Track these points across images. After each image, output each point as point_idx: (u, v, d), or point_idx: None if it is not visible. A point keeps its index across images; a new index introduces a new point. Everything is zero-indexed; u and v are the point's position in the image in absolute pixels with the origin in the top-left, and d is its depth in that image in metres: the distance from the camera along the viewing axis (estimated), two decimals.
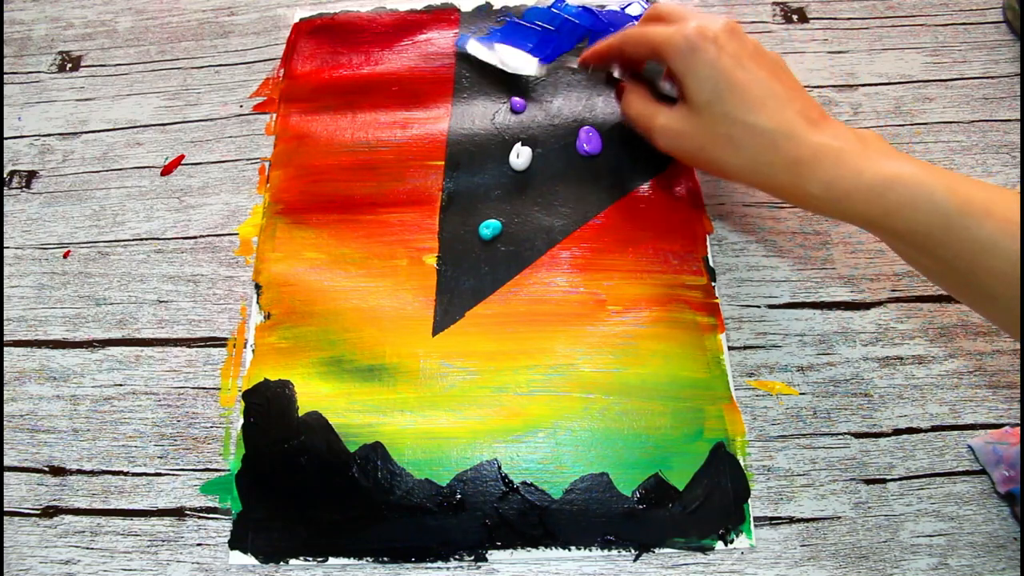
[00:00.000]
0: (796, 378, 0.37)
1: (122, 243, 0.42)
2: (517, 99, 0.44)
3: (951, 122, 0.43)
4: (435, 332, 0.38)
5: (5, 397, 0.38)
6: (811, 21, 0.47)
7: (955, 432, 0.35)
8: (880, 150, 0.29)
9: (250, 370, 0.38)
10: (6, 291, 0.42)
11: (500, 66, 0.44)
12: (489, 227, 0.40)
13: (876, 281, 0.39)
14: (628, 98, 0.36)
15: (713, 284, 0.39)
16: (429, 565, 0.33)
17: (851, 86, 0.45)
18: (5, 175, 0.46)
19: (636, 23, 0.36)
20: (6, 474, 0.37)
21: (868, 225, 0.29)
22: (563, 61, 0.44)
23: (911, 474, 0.34)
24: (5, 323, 0.41)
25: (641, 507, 0.33)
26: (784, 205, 0.41)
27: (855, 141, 0.29)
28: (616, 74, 0.40)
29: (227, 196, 0.43)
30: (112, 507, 0.35)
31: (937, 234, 0.27)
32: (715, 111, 0.30)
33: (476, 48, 0.45)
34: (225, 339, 0.39)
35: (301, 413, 0.36)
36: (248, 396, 0.37)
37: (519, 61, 0.44)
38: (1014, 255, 0.25)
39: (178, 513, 0.35)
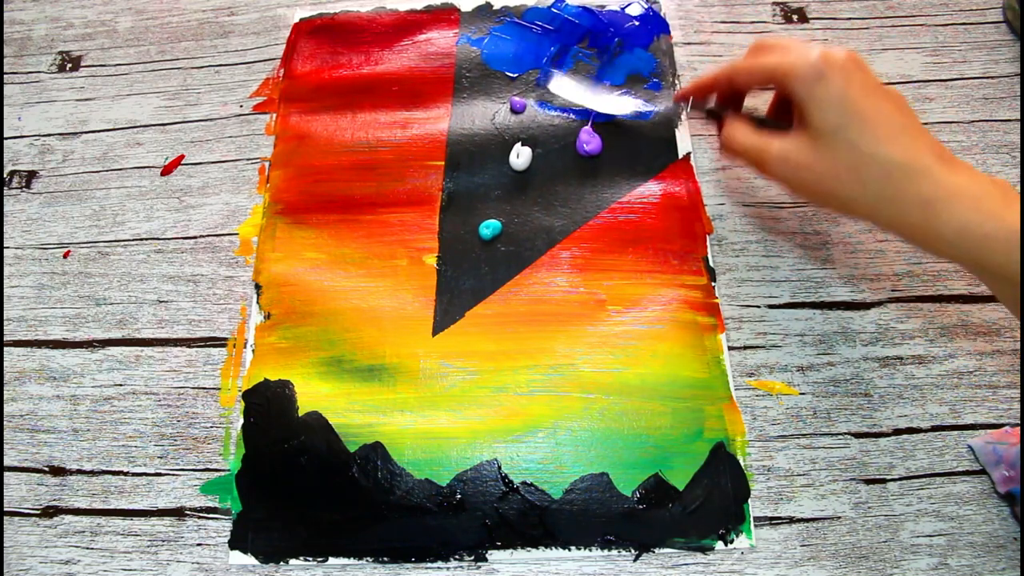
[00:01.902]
0: (796, 378, 0.37)
1: (122, 243, 0.42)
2: (517, 99, 0.43)
3: (951, 122, 0.43)
4: (435, 332, 0.38)
5: (5, 397, 0.38)
6: (811, 21, 0.47)
7: (955, 432, 0.35)
8: (1018, 199, 0.27)
9: (250, 370, 0.38)
10: (6, 291, 0.42)
11: (597, 106, 0.43)
12: (489, 227, 0.40)
13: (876, 281, 0.39)
14: (731, 129, 0.34)
15: (713, 284, 0.39)
16: (429, 565, 0.33)
17: None
18: (5, 175, 0.46)
19: (742, 57, 0.34)
20: (6, 474, 0.37)
21: (998, 275, 0.28)
22: (653, 96, 0.43)
23: (911, 474, 0.34)
24: (5, 323, 0.41)
25: (641, 507, 0.33)
26: (784, 205, 0.41)
27: (992, 185, 0.27)
28: (715, 109, 0.37)
29: (227, 196, 0.43)
30: (112, 507, 0.35)
31: None
32: (840, 141, 0.29)
33: (558, 86, 0.44)
34: (225, 339, 0.39)
35: (301, 413, 0.36)
36: (248, 396, 0.37)
37: (615, 104, 0.43)
38: None
39: (178, 513, 0.35)
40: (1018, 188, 0.41)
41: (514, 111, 0.44)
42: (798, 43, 0.31)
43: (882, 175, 0.28)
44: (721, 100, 0.36)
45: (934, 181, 0.27)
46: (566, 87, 0.43)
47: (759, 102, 0.36)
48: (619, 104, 0.42)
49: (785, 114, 0.33)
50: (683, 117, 0.40)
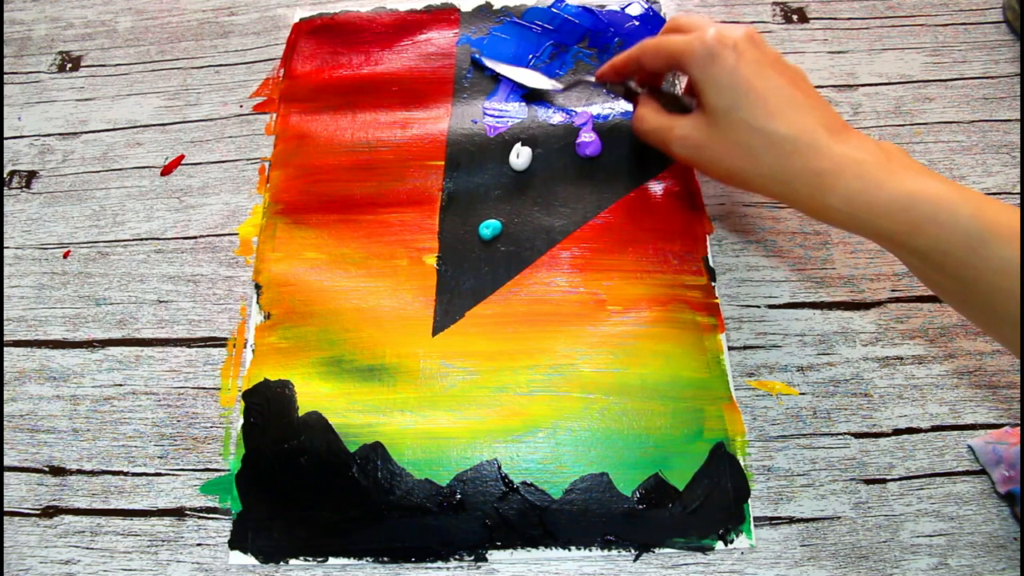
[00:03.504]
0: (796, 378, 0.37)
1: (122, 243, 0.42)
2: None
3: (951, 122, 0.43)
4: (435, 332, 0.38)
5: (5, 397, 0.38)
6: (811, 21, 0.47)
7: (955, 432, 0.35)
8: (904, 164, 0.28)
9: (250, 370, 0.38)
10: (6, 291, 0.42)
11: (520, 80, 0.44)
12: (489, 227, 0.40)
13: (876, 281, 0.39)
14: (641, 112, 0.35)
15: (713, 284, 0.39)
16: (429, 565, 0.33)
17: (851, 86, 0.45)
18: (5, 175, 0.46)
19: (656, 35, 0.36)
20: (6, 474, 0.37)
21: (887, 241, 0.28)
22: (579, 76, 0.44)
23: (911, 474, 0.34)
24: (5, 323, 0.41)
25: (641, 507, 0.33)
26: (784, 205, 0.41)
27: (878, 153, 0.28)
28: (634, 87, 0.38)
29: (227, 196, 0.43)
30: (112, 507, 0.35)
31: (958, 254, 0.26)
32: (733, 119, 0.29)
33: (493, 63, 0.45)
34: (225, 339, 0.39)
35: (301, 413, 0.36)
36: (248, 396, 0.37)
37: (537, 80, 0.44)
38: None
39: (178, 513, 0.35)
40: (1018, 188, 0.41)
41: (476, 63, 0.45)
42: (703, 22, 0.32)
43: (771, 150, 0.29)
44: (641, 79, 0.37)
45: (820, 153, 0.28)
46: (497, 66, 0.45)
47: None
48: (538, 80, 0.44)
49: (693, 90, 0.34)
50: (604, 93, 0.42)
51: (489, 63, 0.45)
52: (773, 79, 0.29)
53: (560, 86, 0.43)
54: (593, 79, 0.40)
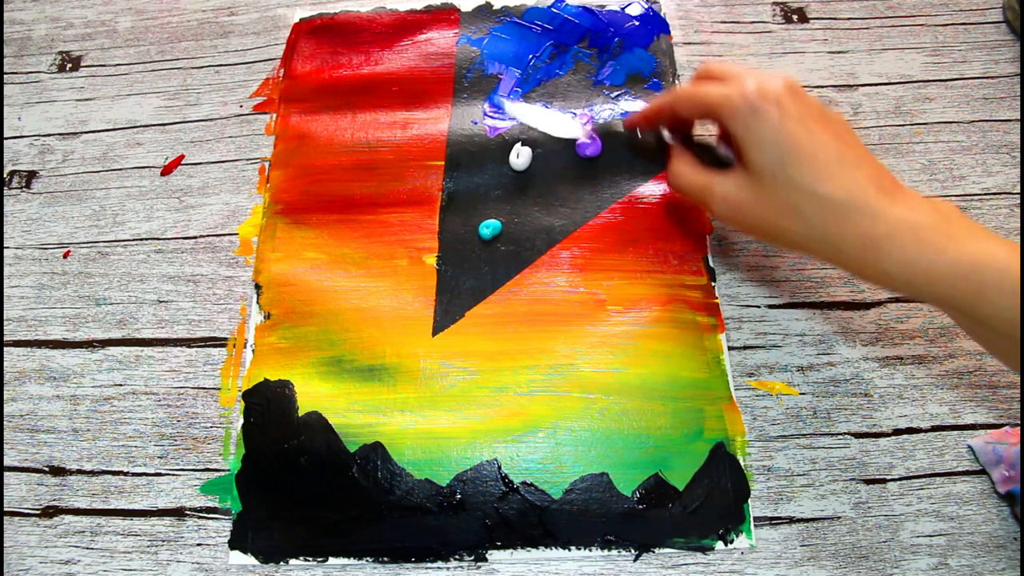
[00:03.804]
0: (796, 378, 0.37)
1: (122, 243, 0.42)
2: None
3: (951, 122, 0.43)
4: (435, 332, 0.38)
5: (5, 397, 0.38)
6: (811, 21, 0.47)
7: (955, 432, 0.35)
8: (962, 226, 0.26)
9: (250, 370, 0.38)
10: (6, 291, 0.42)
11: (543, 129, 0.42)
12: (489, 227, 0.40)
13: None
14: (677, 167, 0.33)
15: (713, 284, 0.39)
16: (429, 565, 0.33)
17: (851, 86, 0.45)
18: (5, 175, 0.46)
19: (687, 83, 0.34)
20: (6, 474, 0.37)
21: (946, 306, 0.27)
22: (609, 125, 0.41)
23: (911, 474, 0.34)
24: (5, 323, 0.41)
25: (641, 507, 0.33)
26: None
27: (935, 215, 0.26)
28: (666, 137, 0.36)
29: (227, 196, 0.43)
30: (112, 507, 0.35)
31: None
32: (779, 178, 0.28)
33: (515, 108, 0.43)
34: (225, 339, 0.39)
35: (301, 413, 0.36)
36: (248, 396, 0.37)
37: (564, 126, 0.42)
38: None
39: (178, 513, 0.35)
40: (1018, 188, 0.41)
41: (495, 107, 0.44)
42: (739, 73, 0.30)
43: (821, 212, 0.27)
44: (671, 127, 0.35)
45: (874, 216, 0.27)
46: (520, 110, 0.43)
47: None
48: (569, 126, 0.41)
49: (729, 141, 0.32)
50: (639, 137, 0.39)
51: (510, 108, 0.43)
52: (819, 134, 0.28)
53: (585, 135, 0.41)
54: (622, 128, 0.37)
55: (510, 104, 0.43)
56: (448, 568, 0.33)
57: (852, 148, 0.28)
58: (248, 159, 0.44)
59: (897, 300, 0.38)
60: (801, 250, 0.30)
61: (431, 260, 0.40)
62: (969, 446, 0.35)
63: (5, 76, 0.50)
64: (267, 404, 0.37)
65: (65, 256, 0.42)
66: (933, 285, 0.26)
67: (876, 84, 0.45)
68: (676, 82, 0.45)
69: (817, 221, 0.28)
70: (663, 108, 0.34)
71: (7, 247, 0.43)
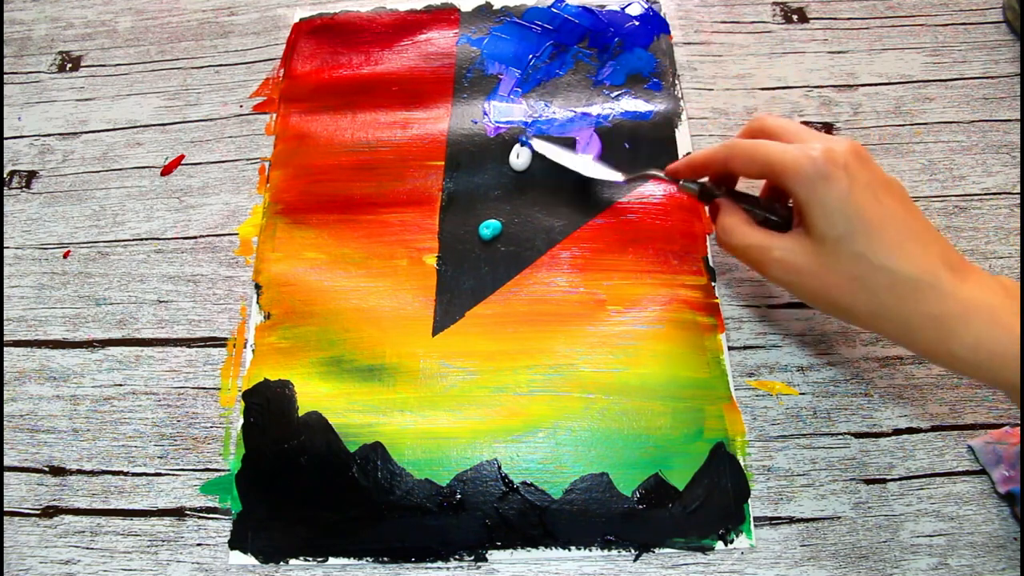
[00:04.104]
0: (796, 378, 0.37)
1: (122, 243, 0.42)
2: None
3: (951, 122, 0.43)
4: (435, 332, 0.38)
5: (5, 397, 0.38)
6: (811, 21, 0.47)
7: (955, 432, 0.35)
8: None
9: (250, 370, 0.38)
10: (6, 291, 0.42)
11: (577, 169, 0.40)
12: (489, 227, 0.40)
13: None
14: (729, 224, 0.31)
15: (713, 284, 0.39)
16: (429, 565, 0.33)
17: (851, 86, 0.45)
18: (5, 175, 0.46)
19: (741, 137, 0.32)
20: (6, 474, 0.37)
21: (1012, 388, 0.26)
22: (645, 171, 0.38)
23: (911, 474, 0.34)
24: (5, 323, 0.41)
25: (641, 507, 0.33)
26: None
27: (1003, 295, 0.26)
28: (710, 187, 0.34)
29: (227, 196, 0.43)
30: (112, 507, 0.35)
31: None
32: (846, 250, 0.27)
33: (544, 147, 0.42)
34: (225, 339, 0.39)
35: (301, 413, 0.36)
36: (248, 396, 0.37)
37: (597, 170, 0.40)
38: None
39: (178, 513, 0.35)
40: (1018, 188, 0.41)
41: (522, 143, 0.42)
42: (800, 133, 0.29)
43: (890, 288, 0.27)
44: (715, 179, 0.34)
45: (945, 295, 0.26)
46: (548, 149, 0.42)
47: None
48: (597, 169, 0.40)
49: (780, 199, 0.31)
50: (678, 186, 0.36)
51: (539, 147, 0.42)
52: (888, 206, 0.27)
53: (621, 178, 0.39)
54: (661, 173, 0.36)
55: (539, 143, 0.42)
56: (448, 568, 0.33)
57: (920, 222, 0.27)
58: (248, 159, 0.44)
59: None
60: (862, 325, 0.29)
61: (431, 260, 0.40)
62: (969, 446, 0.35)
63: (5, 76, 0.50)
64: (267, 404, 0.37)
65: (65, 256, 0.42)
66: (1002, 368, 0.26)
67: (876, 84, 0.45)
68: (676, 82, 0.45)
69: (885, 297, 0.27)
70: (714, 161, 0.32)
71: (7, 247, 0.43)
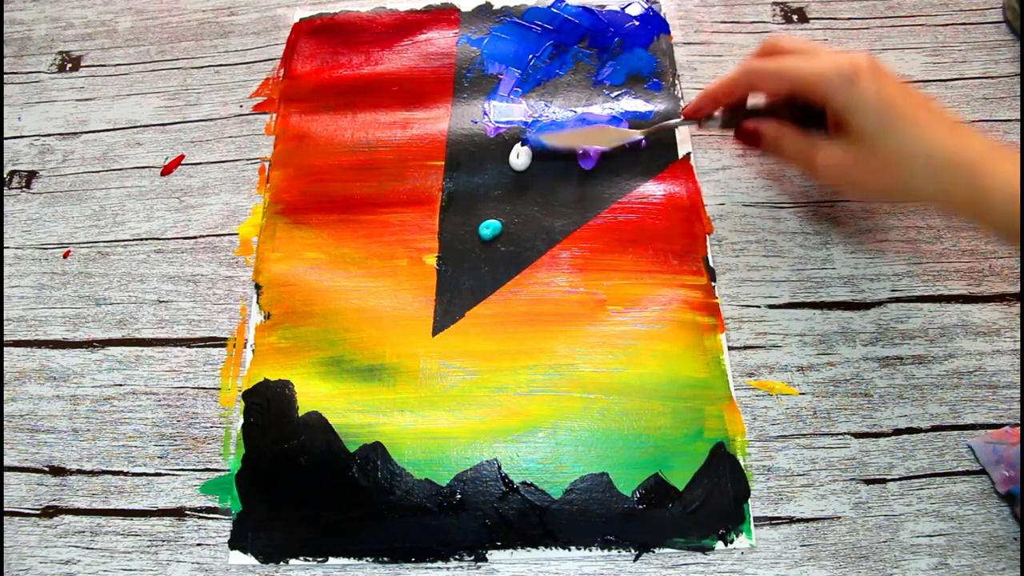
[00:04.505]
0: (796, 378, 0.37)
1: (122, 243, 0.42)
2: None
3: None
4: (435, 332, 0.38)
5: (5, 397, 0.38)
6: (811, 21, 0.47)
7: (955, 432, 0.35)
8: None
9: (250, 370, 0.38)
10: (6, 291, 0.42)
11: (590, 145, 0.41)
12: (489, 227, 0.40)
13: (876, 281, 0.39)
14: (776, 135, 0.34)
15: (713, 284, 0.39)
16: (429, 565, 0.33)
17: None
18: (5, 175, 0.46)
19: (753, 58, 0.34)
20: (6, 474, 0.37)
21: None
22: (658, 122, 0.39)
23: (911, 474, 0.34)
24: (5, 323, 0.41)
25: (641, 507, 0.33)
26: (784, 205, 0.41)
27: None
28: (717, 114, 0.36)
29: (227, 196, 0.43)
30: (112, 507, 0.35)
31: None
32: (884, 140, 0.30)
33: (549, 137, 0.41)
34: (225, 339, 0.39)
35: (301, 413, 0.36)
36: (248, 396, 0.37)
37: (613, 135, 0.40)
38: None
39: (178, 513, 0.35)
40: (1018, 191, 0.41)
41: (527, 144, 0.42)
42: (816, 48, 0.32)
43: (930, 165, 0.30)
44: (728, 107, 0.36)
45: (977, 157, 0.29)
46: (557, 138, 0.41)
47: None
48: (613, 135, 0.40)
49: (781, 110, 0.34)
50: (699, 127, 0.38)
51: (549, 140, 0.41)
52: (913, 98, 0.30)
53: (640, 135, 0.40)
54: (680, 120, 0.37)
55: (549, 136, 0.41)
56: (448, 568, 0.33)
57: (941, 110, 0.31)
58: (248, 159, 0.44)
59: (897, 300, 0.38)
60: (905, 199, 0.33)
61: (431, 260, 0.40)
62: (969, 446, 0.35)
63: (5, 76, 0.50)
64: (267, 404, 0.37)
65: (65, 256, 0.42)
66: None
67: None
68: (676, 82, 0.45)
69: (925, 172, 0.30)
70: (736, 86, 0.35)
71: (7, 247, 0.43)
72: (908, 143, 0.30)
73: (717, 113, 0.36)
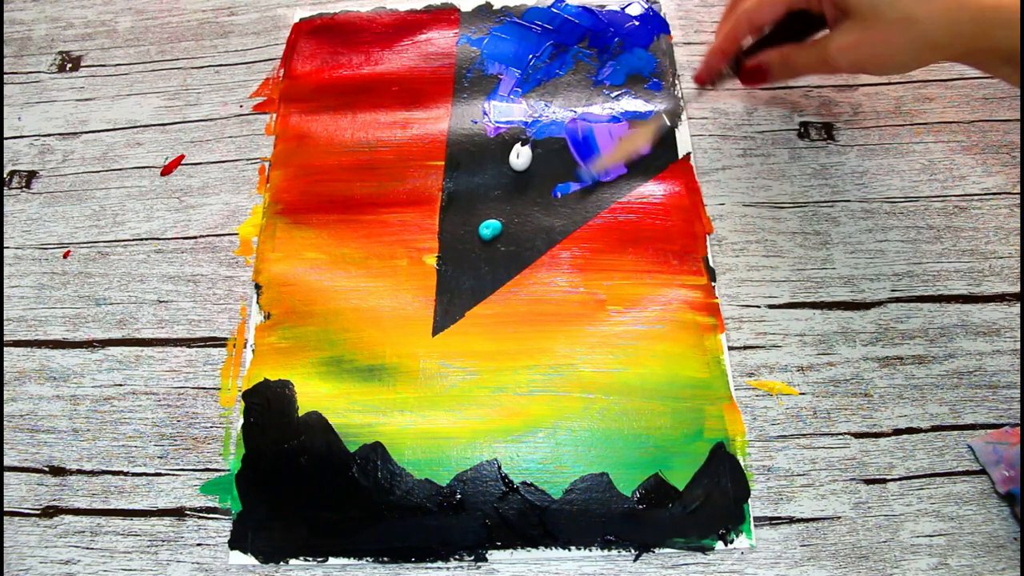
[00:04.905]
0: (796, 378, 0.37)
1: (122, 243, 0.42)
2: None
3: (951, 122, 0.43)
4: (435, 332, 0.38)
5: (5, 397, 0.38)
6: None
7: (955, 432, 0.35)
8: None
9: (250, 370, 0.38)
10: (6, 291, 0.42)
11: (639, 151, 0.42)
12: (489, 227, 0.40)
13: (876, 281, 0.39)
14: (785, 57, 0.36)
15: (713, 284, 0.39)
16: (429, 565, 0.33)
17: (851, 86, 0.45)
18: (5, 175, 0.46)
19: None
20: (6, 474, 0.37)
21: None
22: (653, 96, 0.42)
23: (911, 474, 0.34)
24: (5, 323, 0.41)
25: (641, 507, 0.33)
26: (784, 205, 0.41)
27: None
28: (725, 69, 0.38)
29: (227, 196, 0.43)
30: (112, 507, 0.35)
31: None
32: (884, 14, 0.32)
33: (601, 164, 0.42)
34: (225, 339, 0.39)
35: (301, 413, 0.36)
36: (248, 396, 0.37)
37: (645, 130, 0.41)
38: None
39: (178, 513, 0.35)
40: (1018, 188, 0.41)
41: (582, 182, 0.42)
42: None
43: (931, 11, 0.31)
44: (733, 56, 0.38)
45: (973, 9, 0.30)
46: (603, 163, 0.42)
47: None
48: (641, 137, 0.41)
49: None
50: (707, 91, 0.40)
51: (596, 168, 0.41)
52: None
53: (664, 121, 0.42)
54: (695, 87, 0.39)
55: (596, 163, 0.41)
56: (448, 568, 0.33)
57: None
58: (248, 159, 0.44)
59: (897, 300, 0.38)
60: (924, 58, 0.33)
61: (431, 260, 0.40)
62: (969, 446, 0.35)
63: (5, 76, 0.50)
64: (267, 404, 0.37)
65: (65, 256, 0.42)
66: None
67: (876, 84, 0.45)
68: (676, 82, 0.45)
69: (928, 22, 0.31)
70: (737, 32, 0.36)
71: (7, 247, 0.43)
72: (912, 9, 0.31)
73: (725, 68, 0.37)
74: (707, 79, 0.38)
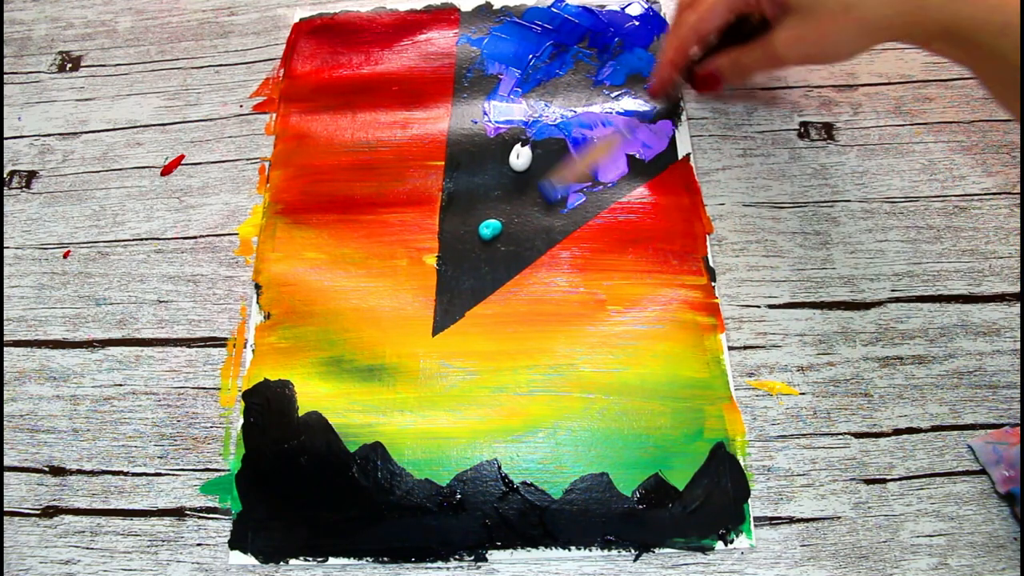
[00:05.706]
0: (796, 378, 0.37)
1: (122, 243, 0.42)
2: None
3: (951, 122, 0.43)
4: (435, 332, 0.38)
5: (5, 397, 0.38)
6: None
7: (955, 432, 0.35)
8: None
9: (250, 370, 0.38)
10: (6, 291, 0.42)
11: (603, 162, 0.42)
12: (489, 227, 0.40)
13: (876, 281, 0.39)
14: (734, 60, 0.37)
15: (713, 284, 0.39)
16: (429, 565, 0.33)
17: (851, 86, 0.45)
18: (5, 175, 0.46)
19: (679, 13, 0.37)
20: (6, 474, 0.37)
21: (990, 56, 0.29)
22: (652, 105, 0.43)
23: (911, 474, 0.34)
24: (5, 323, 0.41)
25: (641, 507, 0.33)
26: (784, 205, 0.41)
27: None
28: (678, 79, 0.40)
29: (227, 196, 0.43)
30: (112, 507, 0.35)
31: None
32: (822, 4, 0.32)
33: (561, 177, 0.41)
34: (225, 339, 0.39)
35: (301, 413, 0.36)
36: (248, 396, 0.37)
37: (608, 140, 0.42)
38: None
39: (178, 513, 0.35)
40: (1018, 188, 0.41)
41: (547, 198, 0.41)
42: None
43: (874, 9, 0.31)
44: (684, 66, 0.39)
45: None
46: (568, 175, 0.41)
47: None
48: (608, 141, 0.42)
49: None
50: (673, 100, 0.41)
51: (558, 180, 0.41)
52: None
53: (625, 135, 0.42)
54: (650, 106, 0.41)
55: (558, 176, 0.41)
56: (448, 568, 0.33)
57: None
58: (248, 159, 0.44)
59: (897, 300, 0.38)
60: (871, 40, 0.33)
61: (431, 260, 0.40)
62: (969, 446, 0.35)
63: (5, 76, 0.50)
64: (267, 404, 0.37)
65: (65, 256, 0.42)
66: (978, 32, 0.29)
67: (876, 84, 0.45)
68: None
69: (866, 6, 0.32)
70: (686, 43, 0.37)
71: (7, 247, 0.43)
72: None
73: (678, 79, 0.39)
74: (660, 92, 0.40)
